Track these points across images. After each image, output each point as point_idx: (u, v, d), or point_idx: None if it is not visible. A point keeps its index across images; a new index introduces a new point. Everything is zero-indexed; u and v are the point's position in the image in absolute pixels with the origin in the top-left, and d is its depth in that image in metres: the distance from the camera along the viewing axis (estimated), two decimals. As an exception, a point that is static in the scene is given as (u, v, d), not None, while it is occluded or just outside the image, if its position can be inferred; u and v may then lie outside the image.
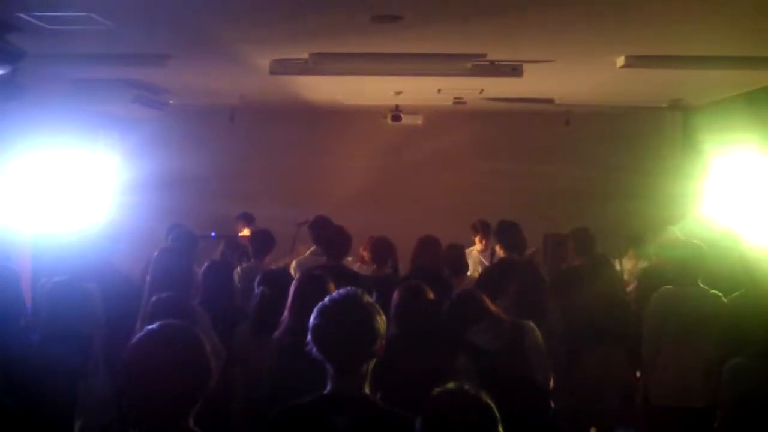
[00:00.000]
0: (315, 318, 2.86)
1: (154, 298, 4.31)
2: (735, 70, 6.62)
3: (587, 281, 5.71)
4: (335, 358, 2.81)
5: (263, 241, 6.71)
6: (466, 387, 2.45)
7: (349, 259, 6.95)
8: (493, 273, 6.14)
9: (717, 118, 8.89)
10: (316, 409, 2.79)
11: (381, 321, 2.87)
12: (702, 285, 5.21)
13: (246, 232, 8.51)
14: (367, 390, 2.82)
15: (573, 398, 5.37)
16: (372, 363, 2.84)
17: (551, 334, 4.88)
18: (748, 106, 8.06)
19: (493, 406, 2.42)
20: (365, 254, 6.90)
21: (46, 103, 7.57)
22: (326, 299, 2.91)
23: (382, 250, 6.23)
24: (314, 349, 2.83)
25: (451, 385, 2.45)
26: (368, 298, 2.92)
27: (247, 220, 8.62)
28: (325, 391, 2.83)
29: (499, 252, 6.84)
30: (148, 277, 5.03)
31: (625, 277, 6.90)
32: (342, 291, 2.93)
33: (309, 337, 2.84)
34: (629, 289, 6.61)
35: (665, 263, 5.81)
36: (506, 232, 6.71)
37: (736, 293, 4.99)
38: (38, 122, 7.42)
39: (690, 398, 5.02)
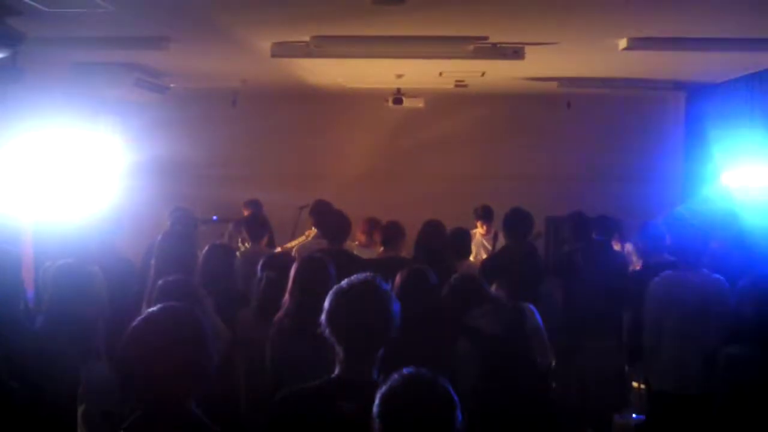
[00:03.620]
0: (331, 301, 2.84)
1: (161, 281, 4.31)
2: (738, 51, 6.58)
3: (584, 265, 5.71)
4: (348, 342, 2.79)
5: (257, 224, 6.72)
6: (423, 371, 2.38)
7: (355, 243, 6.98)
8: (495, 260, 6.18)
9: (720, 100, 8.85)
10: (323, 393, 2.78)
11: (396, 309, 2.86)
12: (704, 269, 5.16)
13: None
14: (375, 375, 2.81)
15: (573, 384, 5.37)
16: (382, 350, 2.83)
17: (549, 317, 4.86)
18: (752, 88, 8.02)
19: (450, 390, 2.35)
20: (361, 236, 6.92)
21: (46, 87, 7.55)
22: (343, 283, 2.89)
23: (393, 232, 6.20)
24: (327, 332, 2.81)
25: (407, 369, 2.41)
26: (384, 286, 2.90)
27: (254, 207, 8.59)
28: (333, 375, 2.82)
29: (502, 238, 6.83)
30: (152, 261, 5.04)
31: (634, 260, 6.86)
32: (360, 276, 2.91)
33: (323, 318, 2.83)
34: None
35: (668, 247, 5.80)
36: (511, 220, 6.62)
37: (743, 281, 4.95)
38: (39, 106, 7.40)
39: (689, 386, 4.99)
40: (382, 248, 6.23)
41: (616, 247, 6.96)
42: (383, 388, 2.37)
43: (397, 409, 2.32)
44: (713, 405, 4.62)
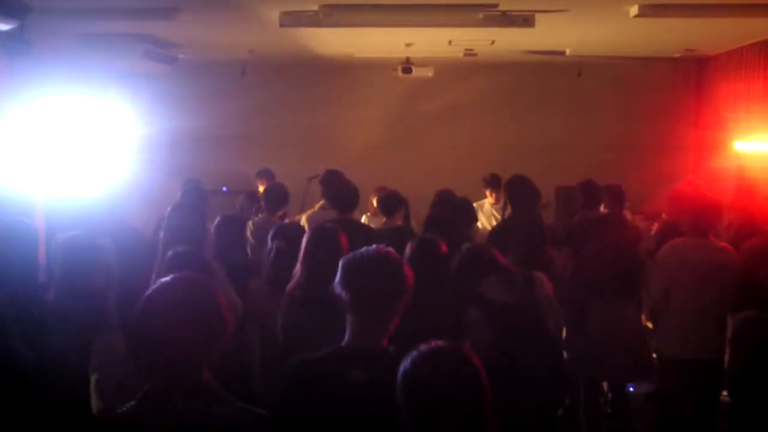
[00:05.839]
0: (343, 268, 2.84)
1: (170, 252, 4.33)
2: (750, 18, 6.51)
3: (597, 234, 5.68)
4: (359, 310, 2.79)
5: (277, 195, 6.70)
6: (447, 343, 2.35)
7: (367, 214, 6.99)
8: (499, 228, 6.15)
9: (731, 67, 8.78)
10: (334, 362, 2.78)
11: (409, 278, 2.86)
12: (712, 238, 5.16)
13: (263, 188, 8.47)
14: (385, 343, 2.81)
15: (585, 352, 5.37)
16: (394, 319, 2.82)
17: (557, 287, 4.85)
18: (764, 55, 7.95)
19: (476, 362, 2.32)
20: (374, 203, 6.90)
21: (54, 59, 7.53)
22: (356, 251, 2.89)
23: (391, 201, 6.21)
24: (339, 300, 2.81)
25: (432, 342, 2.38)
26: (398, 255, 2.90)
27: (267, 176, 8.58)
28: (343, 343, 2.82)
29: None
30: (161, 233, 5.05)
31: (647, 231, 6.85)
32: (374, 245, 2.90)
33: (335, 286, 2.82)
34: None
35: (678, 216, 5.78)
36: (514, 187, 6.57)
37: (750, 243, 4.95)
38: (47, 78, 7.39)
39: (701, 350, 5.00)
40: (384, 219, 6.24)
41: (628, 216, 6.95)
42: (406, 362, 2.34)
43: (423, 382, 2.30)
44: (725, 370, 4.62)
